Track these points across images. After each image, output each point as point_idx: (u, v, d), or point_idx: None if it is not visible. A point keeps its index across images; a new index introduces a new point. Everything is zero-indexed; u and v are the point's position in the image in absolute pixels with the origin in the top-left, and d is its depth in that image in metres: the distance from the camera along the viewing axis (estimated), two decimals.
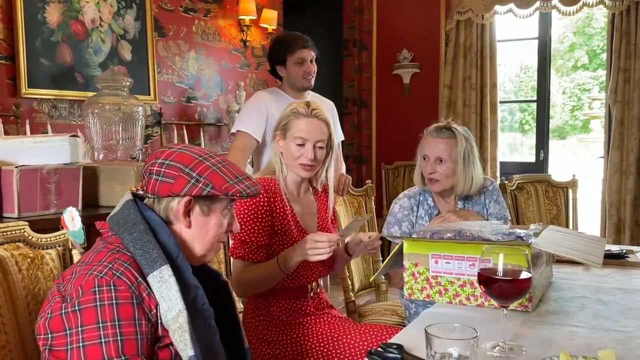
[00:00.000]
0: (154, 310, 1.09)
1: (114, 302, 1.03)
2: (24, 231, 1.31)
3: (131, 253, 1.11)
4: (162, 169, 1.17)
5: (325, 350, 1.67)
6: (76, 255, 1.37)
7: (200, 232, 1.21)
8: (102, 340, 1.01)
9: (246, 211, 1.70)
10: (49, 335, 1.04)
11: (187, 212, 1.19)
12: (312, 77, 2.63)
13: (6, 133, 2.91)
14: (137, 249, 1.11)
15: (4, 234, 1.28)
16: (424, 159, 2.03)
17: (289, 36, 2.73)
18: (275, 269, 1.66)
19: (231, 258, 1.80)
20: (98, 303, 1.02)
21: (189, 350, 1.09)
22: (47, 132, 3.07)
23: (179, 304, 1.09)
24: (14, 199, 2.25)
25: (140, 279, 1.08)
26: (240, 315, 2.01)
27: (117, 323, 1.02)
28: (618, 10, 4.34)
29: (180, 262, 1.16)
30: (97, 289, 1.03)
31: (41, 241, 1.34)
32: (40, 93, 3.19)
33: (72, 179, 2.44)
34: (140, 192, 1.23)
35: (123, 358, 1.01)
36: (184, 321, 1.09)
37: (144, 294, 1.08)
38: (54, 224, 1.75)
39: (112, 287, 1.04)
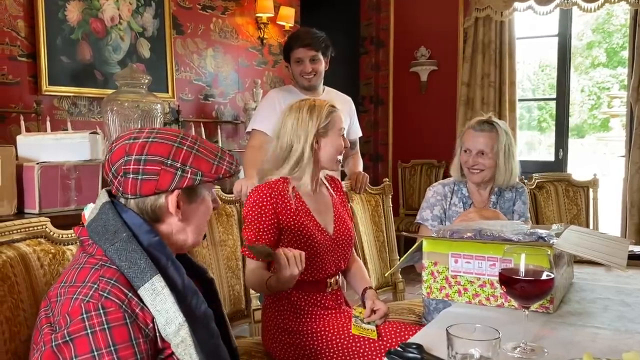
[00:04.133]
0: (151, 325, 1.02)
1: (105, 326, 0.96)
2: (46, 227, 1.32)
3: (117, 266, 1.03)
4: (141, 166, 1.05)
5: (345, 344, 1.67)
6: None
7: (192, 221, 1.14)
8: None
9: (250, 212, 1.73)
10: None
11: (178, 205, 1.10)
12: (312, 76, 2.57)
13: (27, 130, 2.95)
14: (123, 261, 1.02)
15: (26, 229, 1.29)
16: (465, 151, 2.11)
17: (296, 34, 2.73)
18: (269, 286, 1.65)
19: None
20: (89, 330, 0.95)
21: None
22: (67, 129, 3.10)
23: (178, 317, 1.02)
24: (35, 195, 2.28)
25: (130, 294, 1.01)
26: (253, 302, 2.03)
27: (112, 348, 0.96)
28: None
29: (171, 266, 1.08)
30: (84, 315, 0.96)
31: (62, 237, 1.35)
32: (61, 90, 3.23)
33: (91, 175, 2.47)
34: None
35: None
36: (186, 334, 1.03)
37: (137, 310, 1.00)
38: (74, 220, 1.77)
39: (101, 311, 0.97)
